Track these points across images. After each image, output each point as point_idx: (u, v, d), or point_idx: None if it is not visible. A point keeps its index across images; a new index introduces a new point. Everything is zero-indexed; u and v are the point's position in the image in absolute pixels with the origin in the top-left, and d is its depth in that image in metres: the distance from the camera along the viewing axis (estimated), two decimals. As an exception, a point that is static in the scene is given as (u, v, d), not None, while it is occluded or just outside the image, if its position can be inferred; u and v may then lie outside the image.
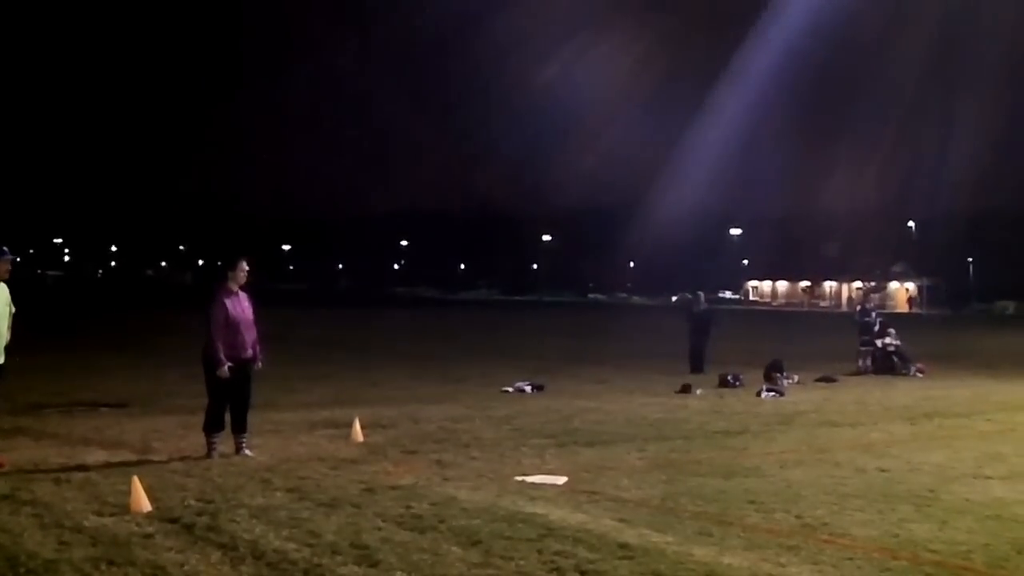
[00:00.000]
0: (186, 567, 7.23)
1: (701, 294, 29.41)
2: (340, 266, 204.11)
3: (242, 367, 12.04)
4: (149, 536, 8.05)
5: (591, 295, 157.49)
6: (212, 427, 11.88)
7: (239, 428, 12.05)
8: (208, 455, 11.70)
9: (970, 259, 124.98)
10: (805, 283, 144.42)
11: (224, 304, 11.92)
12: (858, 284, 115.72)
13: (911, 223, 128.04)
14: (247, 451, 11.90)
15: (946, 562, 7.75)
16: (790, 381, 22.87)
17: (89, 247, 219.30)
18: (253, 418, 12.41)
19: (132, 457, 11.70)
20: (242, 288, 12.28)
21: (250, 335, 12.16)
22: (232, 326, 11.91)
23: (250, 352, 12.14)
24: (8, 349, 11.67)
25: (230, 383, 11.87)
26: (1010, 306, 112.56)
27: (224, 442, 11.97)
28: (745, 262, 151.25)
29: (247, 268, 12.32)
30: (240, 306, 12.10)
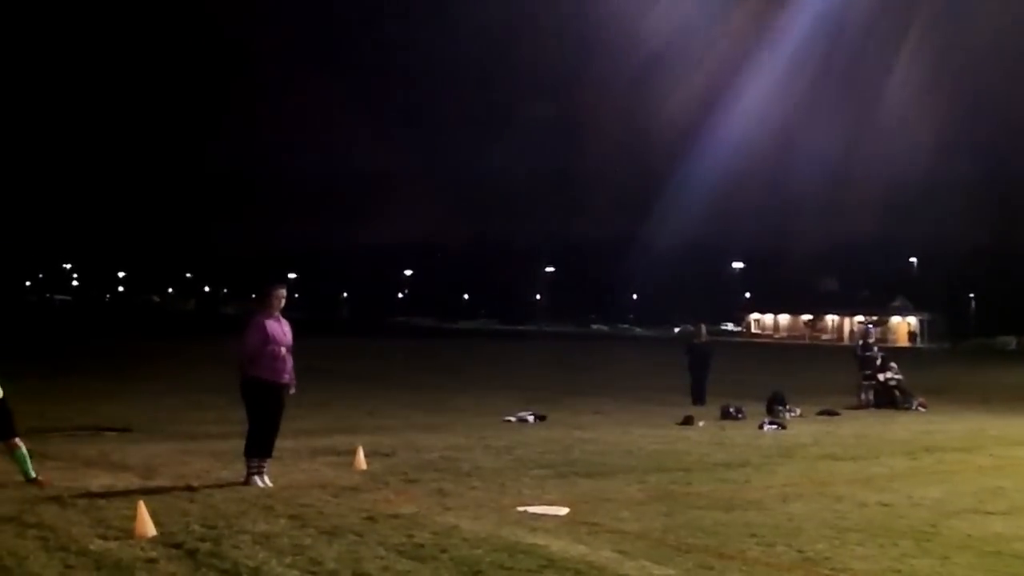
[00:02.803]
0: (188, 593, 7.24)
1: (703, 326, 29.47)
2: (344, 295, 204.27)
3: (280, 391, 11.99)
4: (153, 561, 8.05)
5: (593, 326, 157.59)
6: (253, 452, 11.80)
7: (266, 452, 12.00)
8: (247, 481, 11.60)
9: (971, 294, 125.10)
10: (807, 316, 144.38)
11: (264, 325, 11.76)
12: (860, 318, 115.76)
13: (913, 259, 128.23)
14: (265, 476, 11.85)
15: (946, 598, 7.75)
16: (792, 414, 22.85)
17: (97, 272, 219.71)
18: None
19: (136, 481, 11.70)
20: (281, 314, 12.22)
21: (290, 359, 12.01)
22: (274, 349, 11.78)
23: (287, 377, 12.05)
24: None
25: (268, 407, 11.85)
26: (1012, 341, 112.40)
27: (228, 467, 11.97)
28: (747, 295, 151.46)
29: (284, 294, 12.26)
30: (282, 329, 11.98)
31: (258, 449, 11.80)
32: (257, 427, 11.80)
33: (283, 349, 11.84)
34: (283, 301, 12.17)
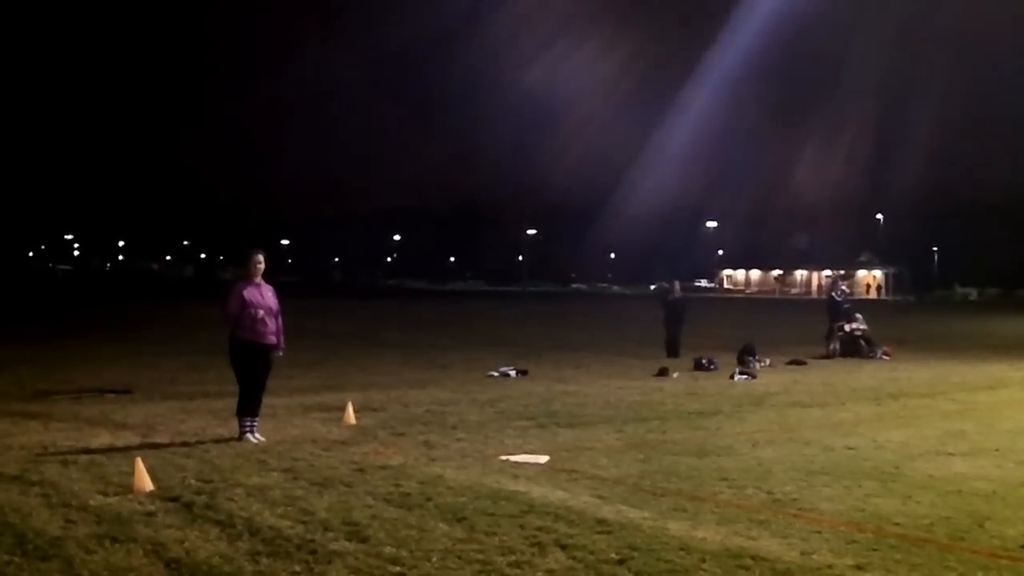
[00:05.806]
0: (186, 543, 7.20)
1: (677, 283, 29.46)
2: (336, 259, 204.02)
3: (264, 352, 11.99)
4: (151, 514, 8.02)
5: (573, 285, 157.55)
6: (244, 411, 11.83)
7: (254, 411, 11.97)
8: (240, 438, 11.61)
9: (935, 248, 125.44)
10: (777, 272, 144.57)
11: (241, 293, 11.84)
12: (827, 272, 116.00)
13: (879, 215, 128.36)
14: (256, 433, 11.83)
15: (909, 535, 7.75)
16: (762, 364, 22.89)
17: (98, 242, 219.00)
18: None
19: (135, 440, 11.65)
20: (263, 279, 12.22)
21: (273, 322, 12.05)
22: (252, 312, 11.81)
23: (272, 339, 12.05)
24: None
25: (253, 367, 11.86)
26: (972, 292, 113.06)
27: (224, 424, 11.93)
28: (720, 252, 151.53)
29: (262, 261, 12.25)
30: (261, 294, 12.01)
31: (248, 408, 11.81)
32: (245, 387, 11.82)
33: (261, 312, 11.86)
34: (262, 267, 12.16)
